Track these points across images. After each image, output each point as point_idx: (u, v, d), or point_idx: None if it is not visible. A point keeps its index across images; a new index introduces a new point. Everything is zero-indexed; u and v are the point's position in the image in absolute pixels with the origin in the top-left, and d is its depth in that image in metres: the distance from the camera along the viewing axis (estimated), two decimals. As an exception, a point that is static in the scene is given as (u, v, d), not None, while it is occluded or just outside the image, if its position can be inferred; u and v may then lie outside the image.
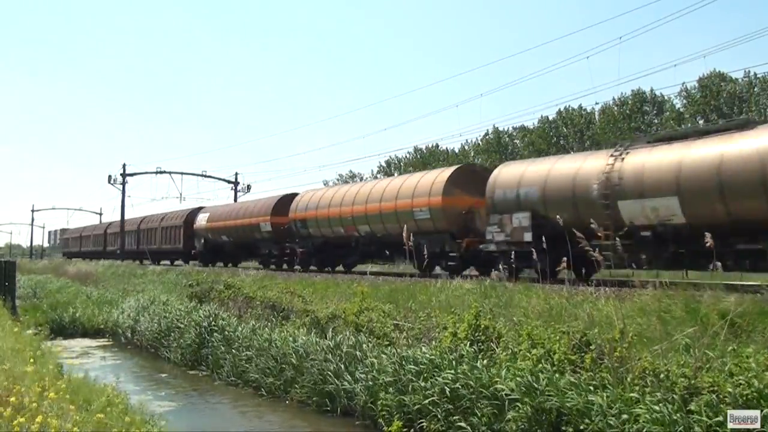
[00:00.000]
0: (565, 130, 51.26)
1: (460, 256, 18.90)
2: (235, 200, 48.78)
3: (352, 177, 67.37)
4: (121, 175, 49.00)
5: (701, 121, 41.59)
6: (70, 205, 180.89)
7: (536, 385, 7.68)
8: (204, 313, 16.83)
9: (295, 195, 29.09)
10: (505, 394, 7.95)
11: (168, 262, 42.22)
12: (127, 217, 49.22)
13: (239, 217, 31.78)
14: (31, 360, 8.45)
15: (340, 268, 26.32)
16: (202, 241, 35.74)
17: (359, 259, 24.74)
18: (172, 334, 17.32)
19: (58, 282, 35.96)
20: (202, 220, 35.83)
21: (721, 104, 42.11)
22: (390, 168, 64.48)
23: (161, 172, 49.91)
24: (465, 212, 19.26)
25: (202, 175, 51.15)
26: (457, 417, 8.47)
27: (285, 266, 28.88)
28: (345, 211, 23.43)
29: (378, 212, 21.63)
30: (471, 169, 21.40)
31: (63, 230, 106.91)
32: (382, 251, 22.00)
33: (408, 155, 63.03)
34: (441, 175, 20.12)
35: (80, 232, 67.08)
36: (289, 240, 27.54)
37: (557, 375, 7.77)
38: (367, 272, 21.58)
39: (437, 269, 19.93)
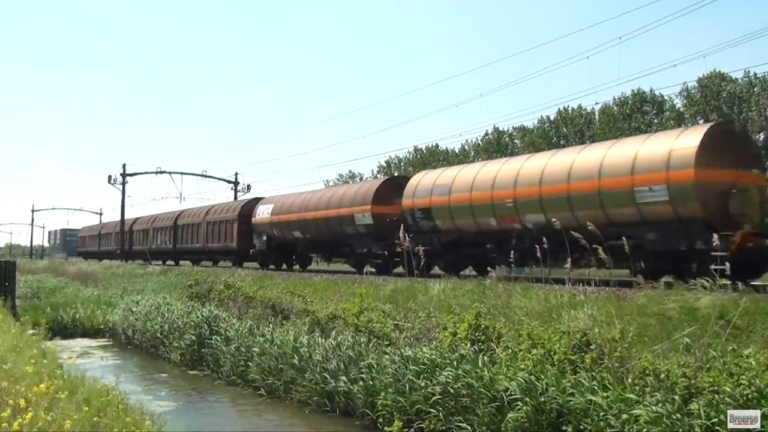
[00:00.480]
0: (565, 130, 51.28)
1: (731, 256, 12.32)
2: (235, 199, 48.40)
3: (352, 177, 67.30)
4: (121, 175, 49.10)
5: (701, 121, 41.59)
6: (70, 205, 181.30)
7: (537, 384, 7.69)
8: (203, 314, 16.81)
9: (405, 177, 24.06)
10: (506, 395, 7.95)
11: (209, 264, 36.20)
12: (127, 216, 49.17)
13: (321, 208, 24.79)
14: (32, 360, 8.45)
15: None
16: (264, 238, 28.78)
17: (520, 259, 17.21)
18: (172, 334, 17.32)
19: (55, 280, 36.02)
20: (263, 212, 28.84)
21: (721, 104, 42.09)
22: (390, 168, 64.42)
23: (161, 172, 50.04)
24: (733, 190, 13.44)
25: (202, 175, 51.31)
26: (457, 417, 8.47)
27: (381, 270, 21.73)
28: (501, 195, 17.12)
29: (564, 194, 15.51)
30: (726, 129, 15.61)
31: (64, 230, 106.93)
32: (561, 248, 14.26)
33: (408, 155, 63.03)
34: (685, 138, 14.01)
35: (99, 230, 59.90)
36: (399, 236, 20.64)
37: (557, 375, 7.78)
38: (365, 272, 21.47)
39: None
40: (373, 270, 21.51)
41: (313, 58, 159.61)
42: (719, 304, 8.38)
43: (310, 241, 26.35)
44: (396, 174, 53.88)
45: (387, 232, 21.10)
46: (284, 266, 28.79)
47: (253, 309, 16.41)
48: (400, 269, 20.46)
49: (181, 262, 39.09)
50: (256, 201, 31.17)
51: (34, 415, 5.17)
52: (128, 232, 48.74)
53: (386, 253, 21.59)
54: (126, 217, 49.03)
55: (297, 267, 29.46)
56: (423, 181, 20.44)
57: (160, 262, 40.50)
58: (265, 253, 29.00)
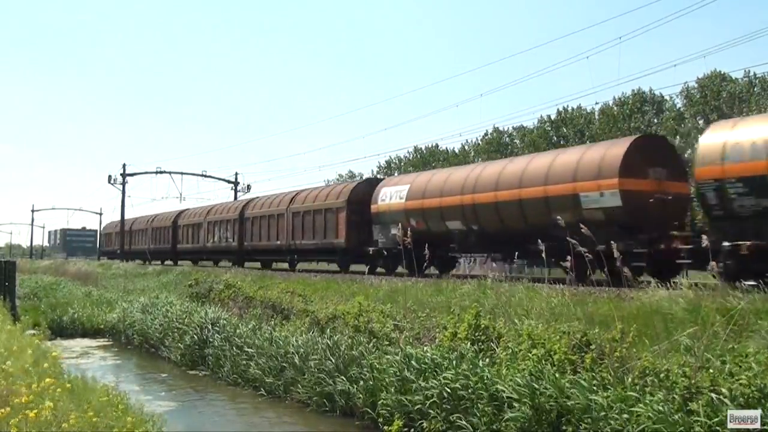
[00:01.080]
0: (565, 130, 51.34)
1: None
2: (235, 198, 46.61)
3: (352, 177, 67.21)
4: (121, 175, 49.03)
5: (701, 121, 41.60)
6: (70, 205, 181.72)
7: (536, 386, 7.68)
8: (207, 315, 16.79)
9: (659, 137, 18.43)
10: (506, 396, 7.95)
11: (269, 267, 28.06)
12: (127, 216, 48.88)
13: (507, 186, 16.31)
14: (32, 360, 8.46)
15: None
16: (394, 232, 18.22)
17: None
18: (173, 334, 17.33)
19: (50, 278, 36.02)
20: (392, 196, 20.82)
21: (721, 104, 42.10)
22: (390, 168, 64.41)
23: (161, 172, 49.95)
24: None
25: (202, 175, 51.16)
26: (457, 416, 8.47)
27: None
28: None
29: None
30: None
31: (64, 230, 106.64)
32: None
33: (408, 155, 63.05)
34: None
35: (130, 225, 48.51)
36: (677, 225, 13.99)
37: (558, 375, 7.78)
38: (365, 272, 21.36)
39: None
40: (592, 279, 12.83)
41: (313, 58, 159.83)
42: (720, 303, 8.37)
43: (479, 234, 17.55)
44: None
45: (650, 219, 13.91)
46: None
47: (253, 309, 16.42)
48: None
49: (246, 264, 30.67)
50: (376, 182, 23.42)
51: (36, 416, 5.17)
52: (171, 227, 39.35)
53: (649, 252, 13.37)
54: (126, 216, 48.87)
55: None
56: (737, 134, 12.19)
57: (210, 263, 34.80)
58: (393, 252, 19.68)
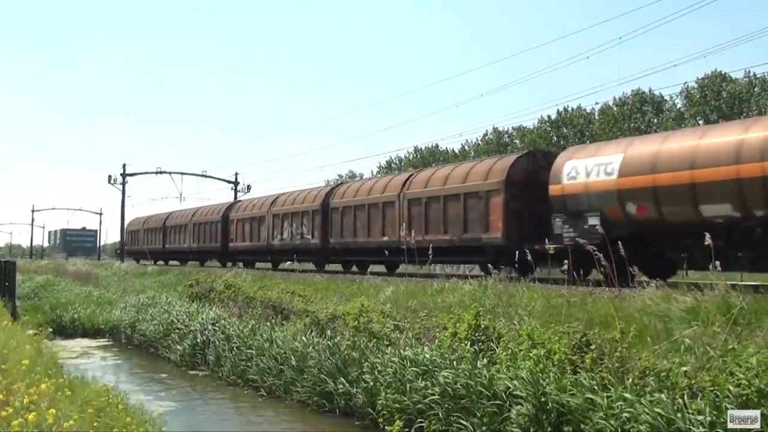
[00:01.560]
0: (565, 130, 51.36)
1: None
2: (231, 200, 45.99)
3: (352, 177, 67.25)
4: (121, 175, 49.13)
5: (701, 122, 41.60)
6: (70, 205, 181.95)
7: (542, 383, 7.67)
8: (210, 316, 16.78)
9: None
10: (506, 395, 7.95)
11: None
12: (128, 217, 48.59)
13: None
14: (28, 359, 8.46)
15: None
16: (593, 222, 13.75)
17: None
18: (172, 335, 17.32)
19: (45, 277, 36.06)
20: (589, 171, 14.12)
21: (721, 104, 42.13)
22: (390, 168, 64.45)
23: (161, 172, 50.06)
24: None
25: (202, 175, 51.31)
26: (458, 416, 8.47)
27: None
28: None
29: None
30: None
31: (64, 230, 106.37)
32: None
33: (408, 155, 63.10)
34: None
35: (163, 220, 40.37)
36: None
37: (559, 375, 7.78)
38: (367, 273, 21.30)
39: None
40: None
41: (313, 58, 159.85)
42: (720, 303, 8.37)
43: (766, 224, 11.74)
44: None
45: None
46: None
47: (254, 309, 16.40)
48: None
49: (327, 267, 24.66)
50: (548, 156, 17.22)
51: (38, 417, 5.18)
52: (220, 222, 32.42)
53: None
54: (127, 217, 48.69)
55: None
56: None
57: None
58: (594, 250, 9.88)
